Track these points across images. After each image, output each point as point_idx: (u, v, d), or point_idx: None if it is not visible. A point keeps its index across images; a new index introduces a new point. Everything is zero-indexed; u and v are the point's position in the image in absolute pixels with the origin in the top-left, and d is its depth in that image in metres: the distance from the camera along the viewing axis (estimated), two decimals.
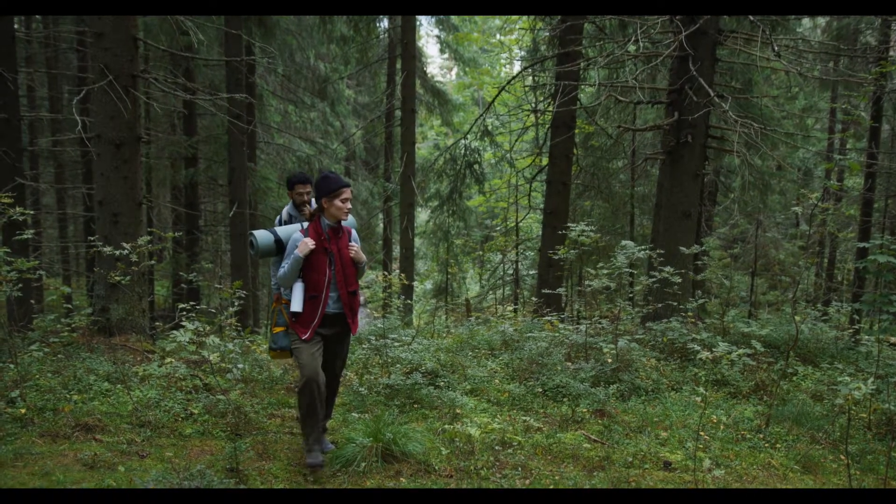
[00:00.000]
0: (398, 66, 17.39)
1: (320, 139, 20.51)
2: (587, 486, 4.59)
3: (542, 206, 14.78)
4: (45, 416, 5.49)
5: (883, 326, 11.13)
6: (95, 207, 8.23)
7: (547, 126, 14.43)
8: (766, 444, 5.75)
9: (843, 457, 5.42)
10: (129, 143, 8.03)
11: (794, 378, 7.51)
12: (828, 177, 14.84)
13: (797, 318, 8.26)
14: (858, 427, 6.16)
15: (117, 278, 7.14)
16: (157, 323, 8.90)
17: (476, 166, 17.07)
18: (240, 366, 6.83)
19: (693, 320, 9.01)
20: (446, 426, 5.82)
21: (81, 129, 8.17)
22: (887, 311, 6.83)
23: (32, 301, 10.22)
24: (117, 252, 6.97)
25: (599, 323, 8.39)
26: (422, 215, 21.73)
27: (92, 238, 7.66)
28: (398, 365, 7.22)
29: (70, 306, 8.59)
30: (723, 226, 19.39)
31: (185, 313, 5.94)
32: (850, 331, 9.19)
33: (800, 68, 10.36)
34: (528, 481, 4.68)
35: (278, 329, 5.35)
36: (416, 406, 6.40)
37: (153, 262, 8.17)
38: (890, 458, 5.13)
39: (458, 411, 6.17)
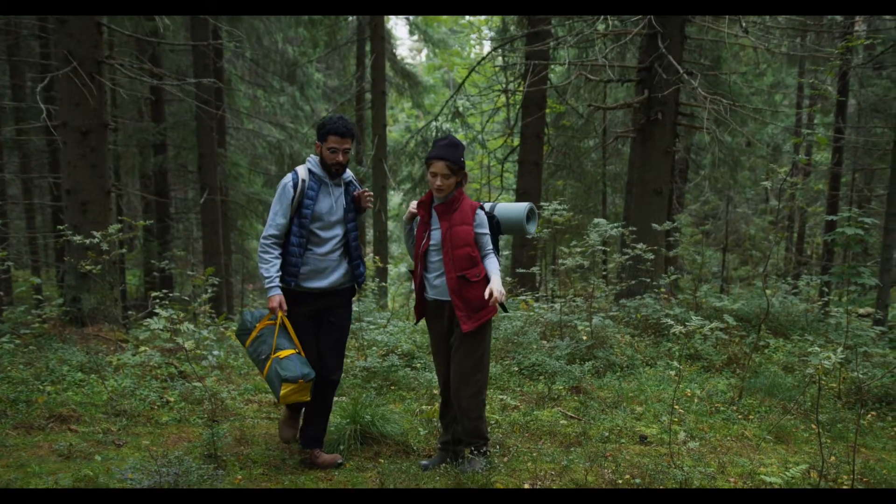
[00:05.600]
0: (367, 48, 17.21)
1: (290, 123, 20.30)
2: (564, 462, 4.64)
3: (514, 186, 14.79)
4: (18, 408, 5.44)
5: (851, 298, 11.33)
6: (63, 197, 8.10)
7: (518, 106, 14.43)
8: (740, 416, 5.85)
9: (814, 426, 5.53)
10: (96, 130, 7.91)
11: (766, 350, 7.63)
12: (796, 152, 15.01)
13: (768, 291, 8.38)
14: (829, 396, 6.29)
15: (88, 267, 7.05)
16: (130, 312, 8.81)
17: None
18: (215, 352, 6.79)
19: (666, 296, 9.10)
20: (424, 407, 5.85)
21: (46, 118, 8.01)
22: (855, 283, 6.94)
23: (1, 293, 10.08)
24: (87, 241, 6.88)
25: (574, 301, 8.44)
26: (394, 198, 21.61)
27: (61, 228, 7.55)
28: (374, 347, 7.23)
29: (40, 297, 8.47)
30: (694, 202, 19.57)
31: (158, 301, 5.88)
32: (820, 303, 9.34)
33: (767, 44, 10.44)
34: (506, 458, 4.72)
35: (285, 353, 4.15)
36: (393, 388, 6.42)
37: (124, 250, 8.08)
38: (859, 425, 5.23)
39: (435, 392, 6.20)
